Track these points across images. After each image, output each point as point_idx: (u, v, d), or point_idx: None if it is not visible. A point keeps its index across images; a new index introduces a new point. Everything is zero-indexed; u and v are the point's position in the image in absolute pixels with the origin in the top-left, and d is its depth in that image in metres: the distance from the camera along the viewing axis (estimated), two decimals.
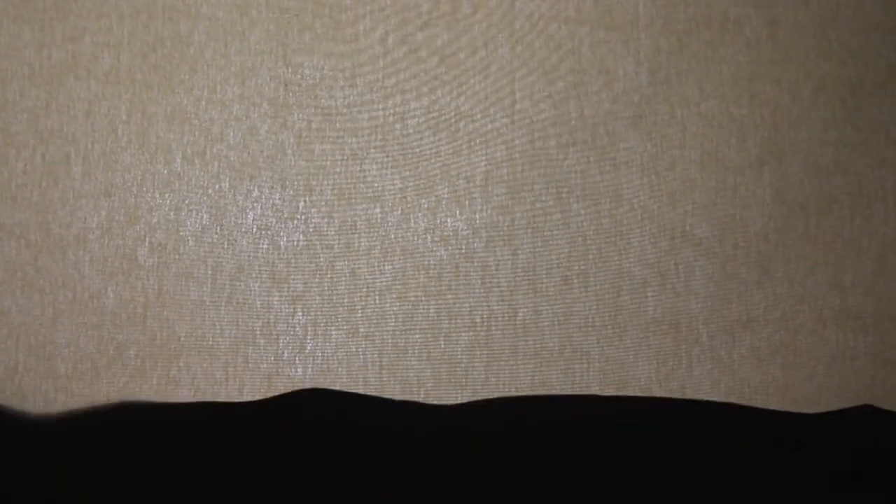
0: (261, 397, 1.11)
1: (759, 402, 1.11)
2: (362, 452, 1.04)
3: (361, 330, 1.13)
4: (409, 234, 1.14)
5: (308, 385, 1.11)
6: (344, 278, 1.13)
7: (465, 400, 1.12)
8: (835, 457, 1.05)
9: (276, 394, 1.11)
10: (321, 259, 1.14)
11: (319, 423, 1.07)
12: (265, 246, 1.14)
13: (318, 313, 1.13)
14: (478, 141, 1.15)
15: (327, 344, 1.12)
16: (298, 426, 1.07)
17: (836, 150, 1.14)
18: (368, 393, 1.11)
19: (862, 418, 1.09)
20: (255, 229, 1.14)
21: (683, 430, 1.08)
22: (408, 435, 1.07)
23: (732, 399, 1.11)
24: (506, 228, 1.14)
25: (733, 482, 1.03)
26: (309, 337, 1.12)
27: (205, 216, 1.14)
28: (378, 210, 1.14)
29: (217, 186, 1.14)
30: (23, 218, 1.13)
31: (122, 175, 1.14)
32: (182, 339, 1.12)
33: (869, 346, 1.12)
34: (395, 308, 1.13)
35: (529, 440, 1.06)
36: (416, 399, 1.11)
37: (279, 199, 1.14)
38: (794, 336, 1.12)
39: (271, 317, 1.12)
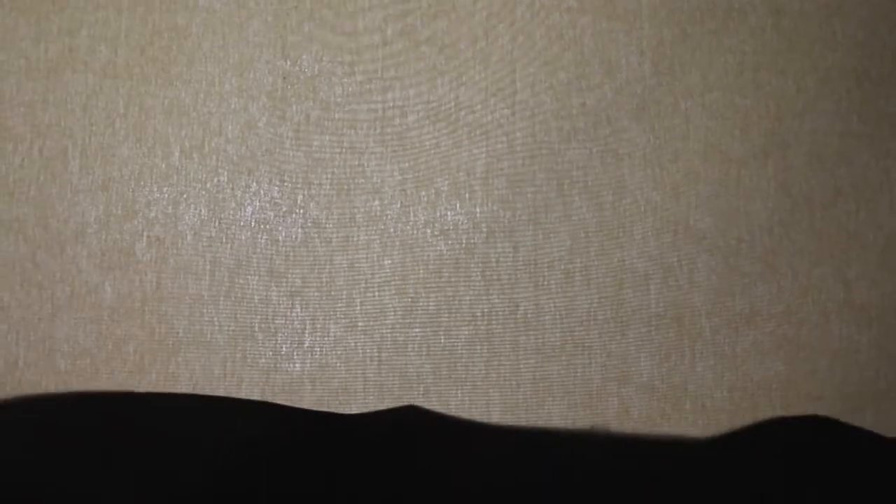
0: (259, 393, 1.10)
1: (762, 396, 1.10)
2: None
3: (360, 324, 1.12)
4: (408, 227, 1.13)
5: (307, 381, 1.11)
6: (343, 272, 1.12)
7: (466, 396, 1.11)
8: (374, 455, 1.07)
9: (275, 389, 1.10)
10: (320, 253, 1.13)
11: None
12: (263, 240, 1.13)
13: (317, 308, 1.12)
14: (478, 133, 1.14)
15: (326, 339, 1.11)
16: None
17: (842, 141, 1.12)
18: (367, 389, 1.10)
19: (405, 419, 1.09)
20: (253, 223, 1.13)
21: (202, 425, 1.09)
22: None
23: (736, 394, 1.10)
24: (507, 222, 1.13)
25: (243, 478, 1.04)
26: (307, 332, 1.12)
27: (203, 210, 1.13)
28: (377, 203, 1.13)
29: (215, 180, 1.13)
30: (20, 213, 1.13)
31: (120, 169, 1.13)
32: (180, 334, 1.11)
33: (873, 340, 1.10)
34: (394, 302, 1.12)
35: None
36: (415, 395, 1.11)
37: (278, 192, 1.13)
38: (798, 330, 1.11)
39: (269, 311, 1.12)
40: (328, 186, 1.14)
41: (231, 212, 1.13)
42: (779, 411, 1.10)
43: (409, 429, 1.09)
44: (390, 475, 1.06)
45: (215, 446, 1.06)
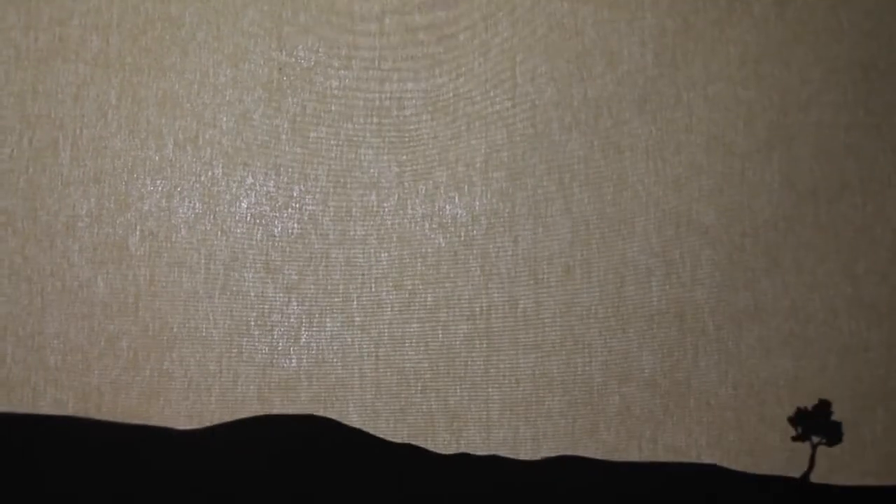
0: (255, 389, 1.08)
1: (769, 393, 1.09)
2: None
3: (357, 320, 1.10)
4: (406, 221, 1.11)
5: (303, 377, 1.09)
6: (339, 267, 1.11)
7: (464, 393, 1.09)
8: None
9: (271, 385, 1.08)
10: (316, 247, 1.11)
11: None
12: (259, 234, 1.11)
13: (313, 303, 1.10)
14: (477, 124, 1.12)
15: (322, 334, 1.10)
16: None
17: (847, 133, 1.11)
18: (364, 385, 1.09)
19: None
20: (248, 217, 1.11)
21: None
22: None
23: (741, 391, 1.09)
24: (506, 215, 1.11)
25: None
26: (304, 327, 1.10)
27: (197, 204, 1.11)
28: (374, 197, 1.12)
29: (210, 173, 1.11)
30: (9, 205, 1.10)
31: (112, 161, 1.11)
32: (175, 329, 1.09)
33: (883, 337, 1.09)
34: (391, 297, 1.10)
35: None
36: (412, 392, 1.09)
37: (273, 186, 1.11)
38: (805, 326, 1.10)
39: (266, 307, 1.10)
40: (324, 180, 1.12)
41: (226, 205, 1.11)
42: (787, 409, 1.08)
43: None
44: None
45: None
